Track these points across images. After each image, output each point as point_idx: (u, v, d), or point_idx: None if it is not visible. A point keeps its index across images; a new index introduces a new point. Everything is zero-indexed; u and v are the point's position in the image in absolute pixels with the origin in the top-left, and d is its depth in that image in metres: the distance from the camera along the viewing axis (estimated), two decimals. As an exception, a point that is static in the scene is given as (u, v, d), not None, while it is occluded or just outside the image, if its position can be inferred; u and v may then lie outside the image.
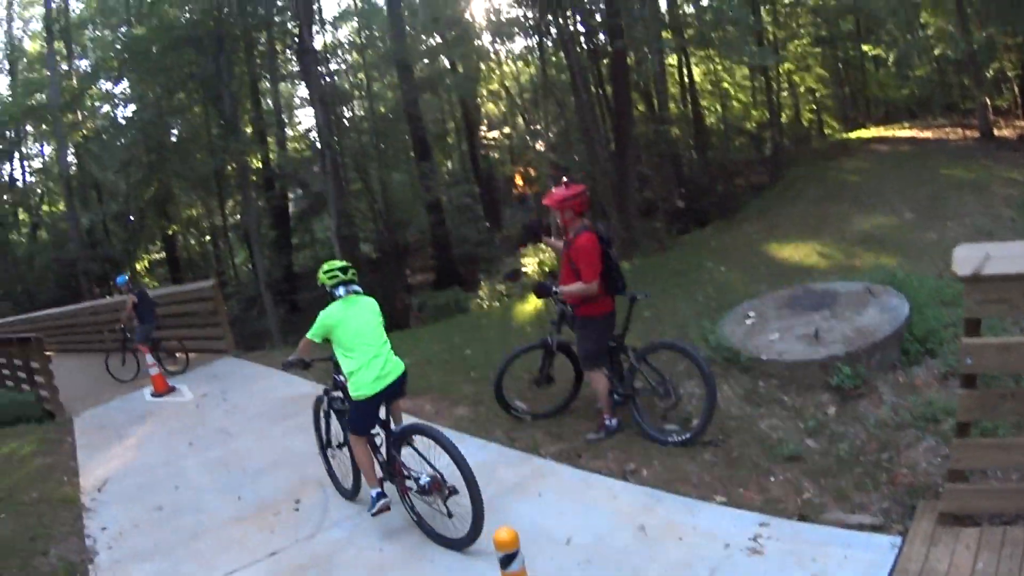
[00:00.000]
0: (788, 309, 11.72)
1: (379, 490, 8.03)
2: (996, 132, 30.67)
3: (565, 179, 9.43)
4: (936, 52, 34.67)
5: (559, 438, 9.55)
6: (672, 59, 33.20)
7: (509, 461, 9.08)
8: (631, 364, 9.34)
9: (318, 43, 31.18)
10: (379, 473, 8.18)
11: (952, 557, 6.16)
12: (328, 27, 36.20)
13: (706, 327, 11.93)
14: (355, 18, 37.33)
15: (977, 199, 20.27)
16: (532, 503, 7.96)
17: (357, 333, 7.89)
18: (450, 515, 7.45)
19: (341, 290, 8.11)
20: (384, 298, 27.23)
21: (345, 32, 38.20)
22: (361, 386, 7.78)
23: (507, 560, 5.28)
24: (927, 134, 32.70)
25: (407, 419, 9.47)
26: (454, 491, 7.39)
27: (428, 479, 7.49)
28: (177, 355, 18.81)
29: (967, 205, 19.77)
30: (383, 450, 8.13)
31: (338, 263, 8.34)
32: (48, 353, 17.44)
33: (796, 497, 7.66)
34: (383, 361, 7.88)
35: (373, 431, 8.15)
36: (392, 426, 8.18)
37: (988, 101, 31.17)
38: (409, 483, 7.74)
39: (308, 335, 8.10)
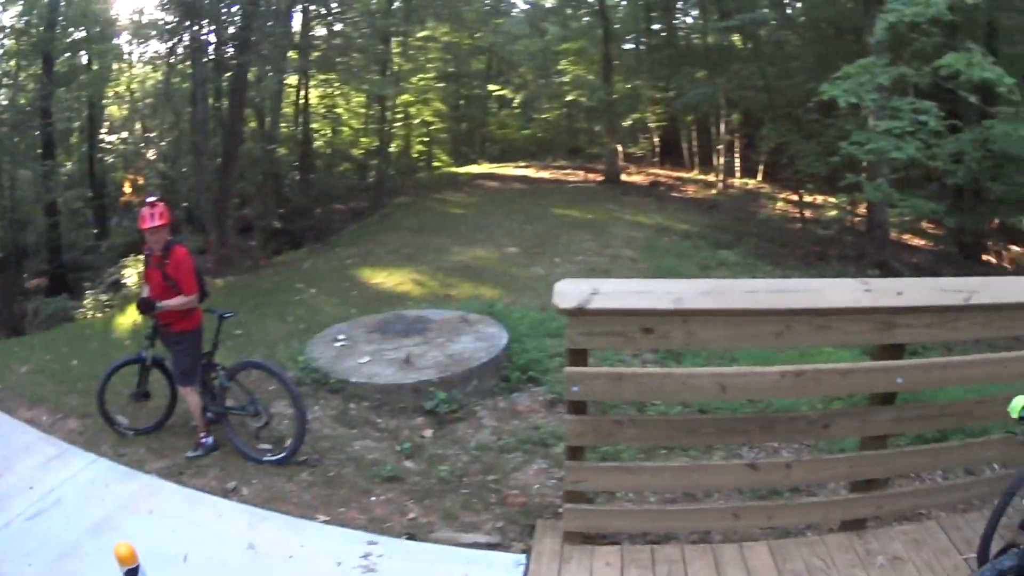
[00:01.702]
0: (379, 334, 12.11)
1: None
2: (625, 177, 32.36)
3: (149, 199, 9.31)
4: (569, 98, 36.06)
5: (161, 455, 9.45)
6: (292, 79, 33.46)
7: (119, 477, 8.87)
8: (221, 382, 9.46)
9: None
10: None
11: (592, 574, 6.67)
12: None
13: (295, 348, 12.09)
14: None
15: (594, 239, 21.21)
16: (145, 520, 7.86)
17: None
18: None
19: None
20: (4, 302, 26.17)
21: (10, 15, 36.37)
22: None
23: (130, 575, 5.29)
24: (544, 174, 34.24)
25: (30, 429, 10.15)
26: None
27: None
28: None
29: (581, 244, 20.66)
30: None
31: None
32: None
33: (401, 517, 7.95)
34: None
35: None
36: None
37: (620, 148, 32.83)
38: None
39: None
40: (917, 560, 6.81)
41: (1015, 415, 5.23)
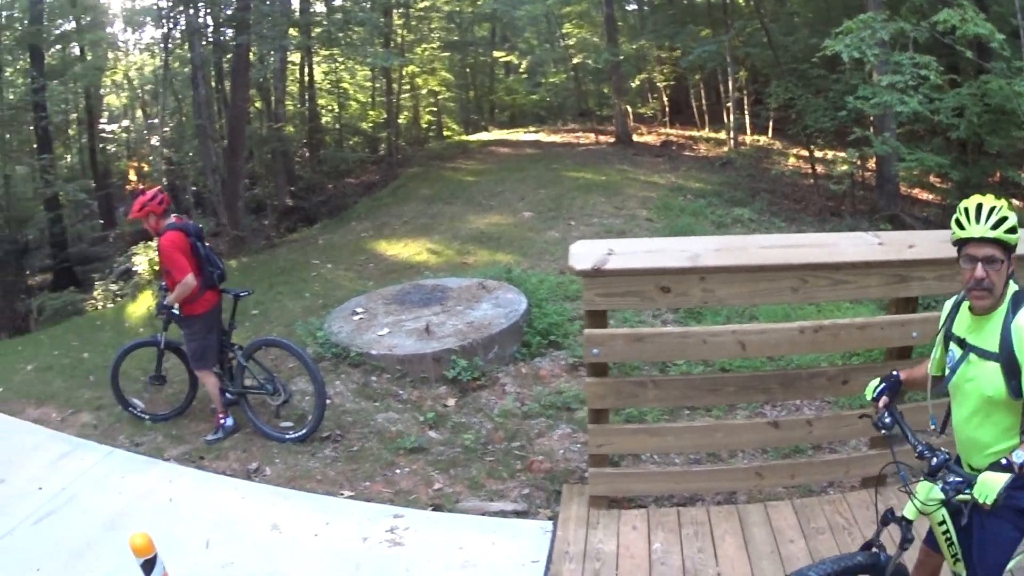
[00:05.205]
0: (397, 305, 12.08)
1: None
2: (636, 138, 32.02)
3: (141, 186, 9.25)
4: (575, 61, 35.81)
5: (181, 440, 9.37)
6: (295, 57, 33.55)
7: (137, 467, 8.68)
8: (239, 362, 9.38)
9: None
10: None
11: (619, 538, 6.58)
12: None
13: (313, 324, 12.01)
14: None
15: (609, 201, 21.02)
16: (164, 509, 7.70)
17: None
18: None
19: None
20: (4, 300, 26.04)
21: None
22: None
23: (148, 566, 5.09)
24: (555, 138, 33.87)
25: (38, 428, 9.81)
26: None
27: None
28: None
29: (596, 206, 20.44)
30: None
31: None
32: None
33: (427, 488, 7.93)
34: None
35: None
36: None
37: (629, 109, 32.56)
38: None
39: None
40: (938, 515, 6.78)
41: (869, 396, 4.96)
